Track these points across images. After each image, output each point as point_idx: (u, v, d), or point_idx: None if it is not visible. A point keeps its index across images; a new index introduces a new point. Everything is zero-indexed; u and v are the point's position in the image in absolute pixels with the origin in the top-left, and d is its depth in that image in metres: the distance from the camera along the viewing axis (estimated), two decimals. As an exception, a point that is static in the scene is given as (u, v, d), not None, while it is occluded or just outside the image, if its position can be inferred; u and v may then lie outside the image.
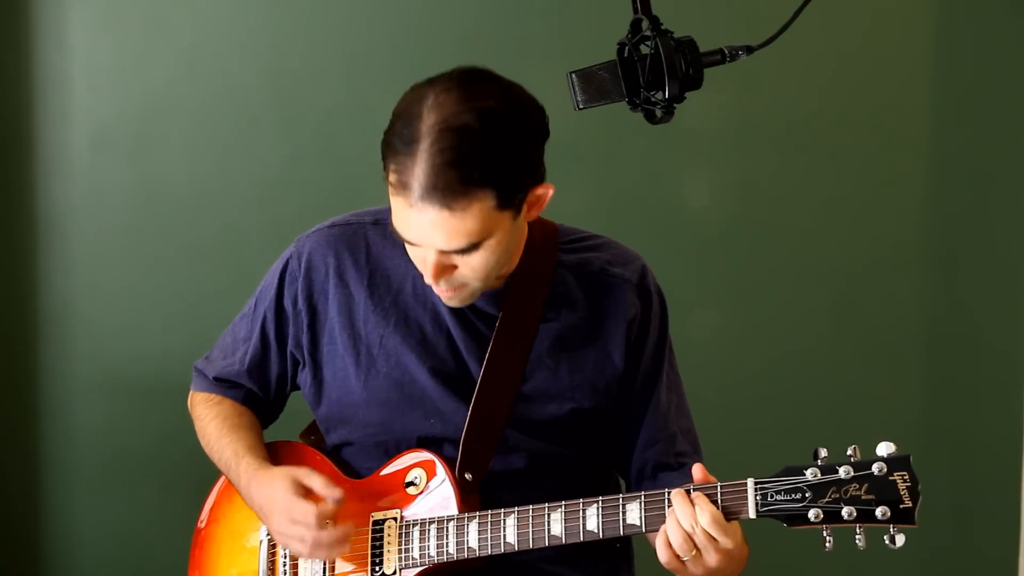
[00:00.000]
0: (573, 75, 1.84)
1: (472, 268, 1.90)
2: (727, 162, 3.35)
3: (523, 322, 2.04)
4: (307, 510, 1.97)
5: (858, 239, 3.38)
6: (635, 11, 1.86)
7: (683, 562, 1.84)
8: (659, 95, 1.84)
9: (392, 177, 1.84)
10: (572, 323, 2.06)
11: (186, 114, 3.26)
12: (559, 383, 2.05)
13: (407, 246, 1.92)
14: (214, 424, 2.17)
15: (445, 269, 1.90)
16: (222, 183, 3.27)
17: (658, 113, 1.86)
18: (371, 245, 2.09)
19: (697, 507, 1.82)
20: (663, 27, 1.84)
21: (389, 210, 2.11)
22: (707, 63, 1.85)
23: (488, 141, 1.82)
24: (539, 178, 1.90)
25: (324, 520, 1.97)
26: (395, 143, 1.83)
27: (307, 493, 2.00)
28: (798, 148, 3.36)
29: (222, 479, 2.21)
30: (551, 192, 1.92)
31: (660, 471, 2.08)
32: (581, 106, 1.85)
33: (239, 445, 2.12)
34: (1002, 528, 3.40)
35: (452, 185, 1.80)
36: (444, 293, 1.95)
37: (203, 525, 2.23)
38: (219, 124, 3.26)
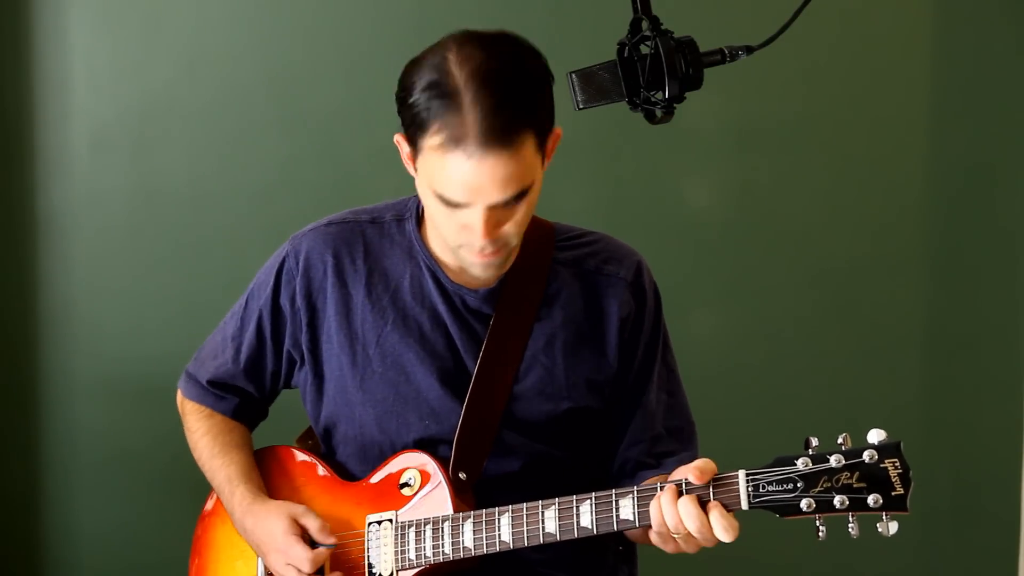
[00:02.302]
0: (573, 75, 1.84)
1: (516, 221, 1.90)
2: (727, 162, 3.35)
3: (518, 320, 2.04)
4: (302, 556, 2.00)
5: (857, 239, 3.38)
6: (635, 11, 1.86)
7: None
8: (659, 95, 1.84)
9: (437, 139, 1.84)
10: (567, 321, 2.06)
11: (186, 114, 3.26)
12: (554, 382, 2.04)
13: (443, 218, 1.90)
14: (205, 441, 2.17)
15: (495, 227, 1.89)
16: (222, 183, 3.27)
17: (658, 113, 1.86)
18: (368, 243, 2.09)
19: (716, 524, 1.78)
20: (663, 27, 1.84)
21: (387, 208, 2.11)
22: (707, 63, 1.84)
23: (522, 83, 1.86)
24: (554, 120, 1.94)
25: (318, 565, 2.00)
26: (432, 106, 1.84)
27: (303, 532, 2.02)
28: (798, 148, 3.36)
29: None
30: (560, 134, 1.95)
31: (639, 469, 2.08)
32: (581, 106, 1.85)
33: (232, 470, 2.13)
34: (1002, 528, 3.40)
35: (507, 125, 1.83)
36: (488, 258, 1.93)
37: (209, 509, 2.23)
38: (219, 124, 3.26)
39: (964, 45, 3.35)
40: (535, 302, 2.05)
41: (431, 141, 1.84)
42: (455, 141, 1.82)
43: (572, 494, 1.96)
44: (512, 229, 1.91)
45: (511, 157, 1.83)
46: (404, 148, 1.94)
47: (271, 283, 2.12)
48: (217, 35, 3.27)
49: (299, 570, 2.00)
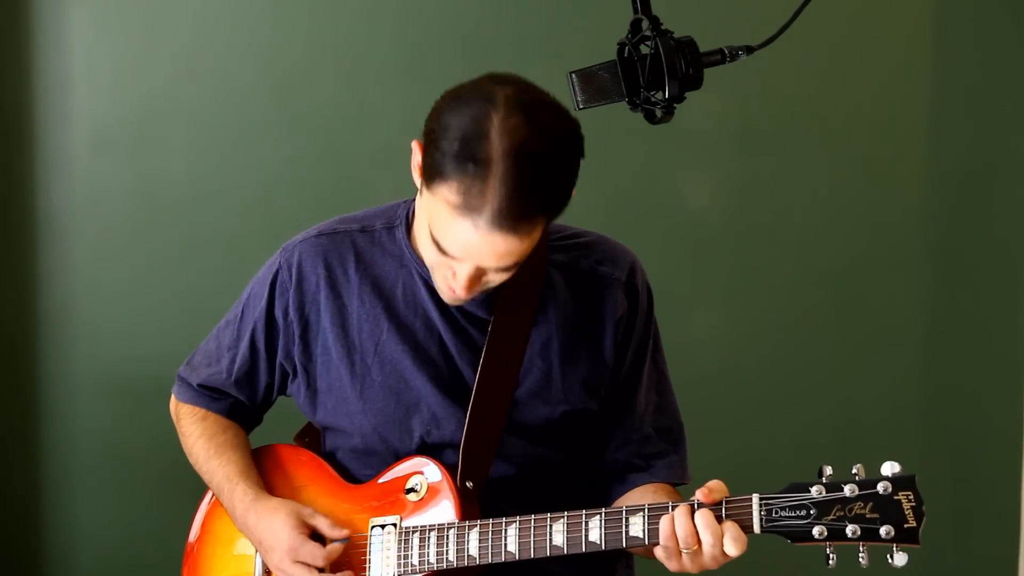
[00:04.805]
0: (573, 75, 1.85)
1: (502, 277, 1.90)
2: (727, 162, 3.35)
3: (515, 325, 2.03)
4: (315, 553, 1.99)
5: (858, 239, 3.38)
6: (635, 11, 1.86)
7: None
8: (659, 95, 1.84)
9: (455, 197, 1.79)
10: (562, 324, 2.05)
11: (186, 114, 3.26)
12: (552, 385, 2.04)
13: (431, 254, 1.89)
14: (201, 443, 2.17)
15: (477, 281, 1.89)
16: (222, 183, 3.27)
17: (658, 113, 1.86)
18: (360, 253, 2.07)
19: (727, 534, 1.80)
20: (663, 27, 1.84)
21: (376, 216, 2.10)
22: (707, 63, 1.85)
23: (556, 170, 1.83)
24: None
25: (332, 559, 1.99)
26: (460, 161, 1.77)
27: (311, 531, 2.01)
28: (798, 148, 3.36)
29: (209, 495, 2.21)
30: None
31: (628, 472, 2.07)
32: (581, 106, 1.86)
33: (230, 469, 2.12)
34: (1002, 529, 3.40)
35: (525, 213, 1.80)
36: (456, 300, 1.94)
37: (194, 540, 2.22)
38: (219, 124, 3.26)
39: (964, 45, 3.35)
40: (531, 306, 2.04)
41: (447, 195, 1.80)
42: (469, 209, 1.78)
43: (574, 495, 1.97)
44: (495, 280, 1.90)
45: (517, 240, 1.81)
46: (417, 158, 1.89)
47: (265, 294, 2.11)
48: (217, 35, 3.27)
49: (311, 567, 1.98)
